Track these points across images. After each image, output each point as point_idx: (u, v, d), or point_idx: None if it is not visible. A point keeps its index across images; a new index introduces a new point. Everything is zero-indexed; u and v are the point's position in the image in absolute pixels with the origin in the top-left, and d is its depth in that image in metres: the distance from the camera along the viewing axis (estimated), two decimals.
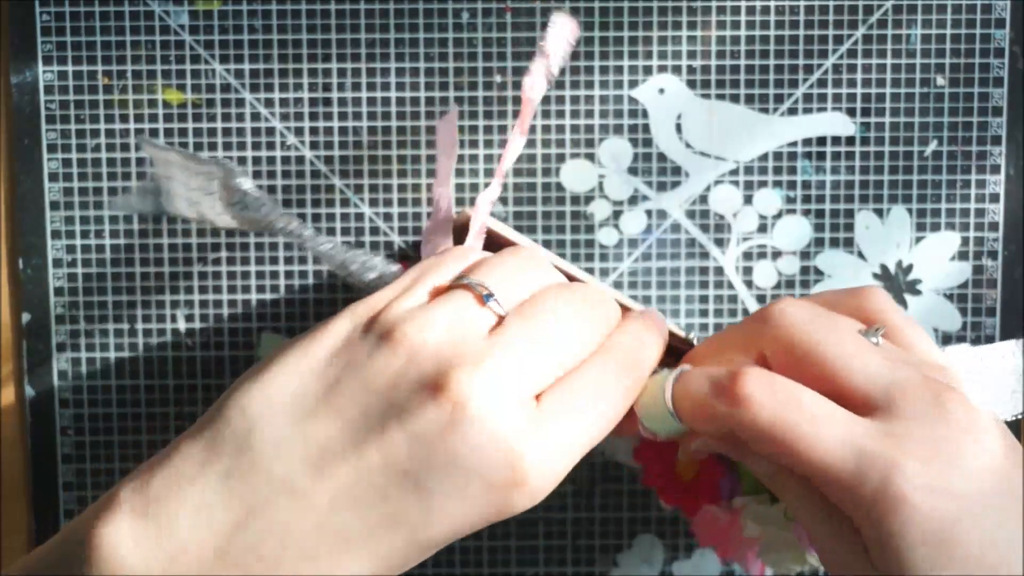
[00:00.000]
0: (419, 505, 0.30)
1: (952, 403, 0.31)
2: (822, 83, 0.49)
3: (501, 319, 0.32)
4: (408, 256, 0.49)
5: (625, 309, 0.37)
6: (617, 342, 0.34)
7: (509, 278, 0.33)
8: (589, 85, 0.49)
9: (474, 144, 0.49)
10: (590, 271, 0.49)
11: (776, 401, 0.32)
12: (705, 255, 0.50)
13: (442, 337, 0.31)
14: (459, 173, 0.49)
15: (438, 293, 0.33)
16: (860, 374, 0.32)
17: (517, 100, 0.49)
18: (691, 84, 0.49)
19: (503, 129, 0.49)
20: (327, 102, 0.49)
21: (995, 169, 0.49)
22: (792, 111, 0.49)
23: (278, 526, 0.29)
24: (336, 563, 0.30)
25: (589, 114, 0.49)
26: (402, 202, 0.49)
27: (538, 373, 0.32)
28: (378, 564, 0.31)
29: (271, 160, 0.49)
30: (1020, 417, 0.36)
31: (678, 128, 0.49)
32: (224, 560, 0.29)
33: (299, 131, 0.49)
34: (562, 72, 0.49)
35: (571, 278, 0.38)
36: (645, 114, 0.49)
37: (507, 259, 0.34)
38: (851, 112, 0.49)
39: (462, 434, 0.30)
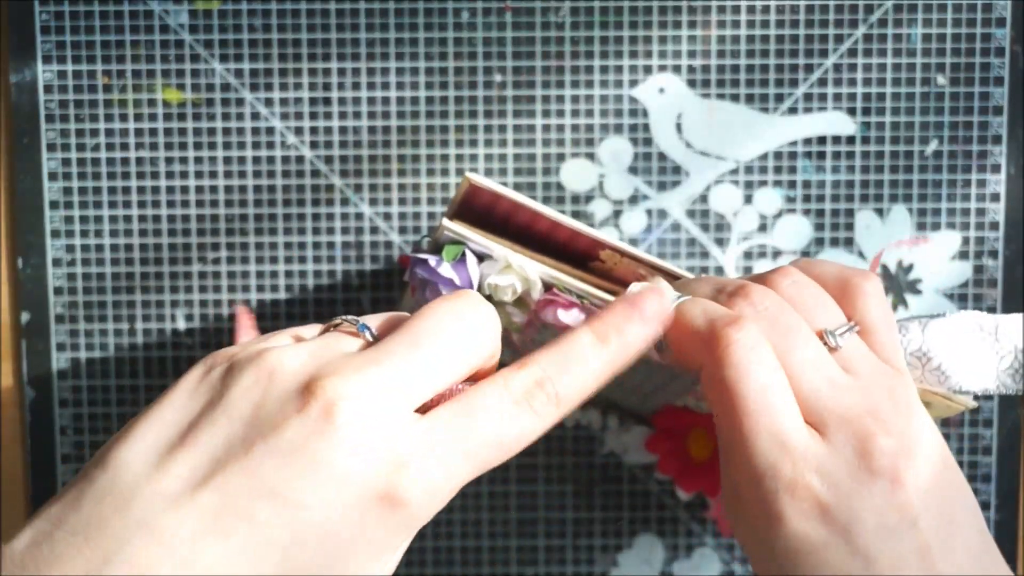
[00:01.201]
0: (291, 521, 0.28)
1: (875, 449, 0.33)
2: (822, 83, 0.49)
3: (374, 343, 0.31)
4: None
5: (672, 276, 0.37)
6: (509, 378, 0.32)
7: (376, 317, 0.33)
8: (589, 85, 0.49)
9: (474, 144, 0.49)
10: None
11: (748, 363, 0.33)
12: (705, 254, 0.50)
13: (304, 359, 0.30)
14: (459, 173, 0.49)
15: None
16: (801, 391, 0.34)
17: (517, 99, 0.49)
18: (691, 84, 0.49)
19: (503, 129, 0.49)
20: (327, 102, 0.49)
21: (996, 168, 0.49)
22: (792, 111, 0.49)
23: (140, 567, 0.28)
24: None
25: (589, 114, 0.49)
26: (402, 202, 0.49)
27: (413, 384, 0.30)
28: None
29: (271, 160, 0.49)
30: (1013, 392, 0.36)
31: (678, 128, 0.49)
32: None
33: (299, 131, 0.49)
34: (562, 72, 0.49)
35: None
36: (645, 114, 0.49)
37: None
38: (851, 111, 0.49)
39: (331, 439, 0.28)
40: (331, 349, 0.31)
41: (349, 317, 0.32)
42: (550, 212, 0.39)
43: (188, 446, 0.29)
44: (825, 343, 0.34)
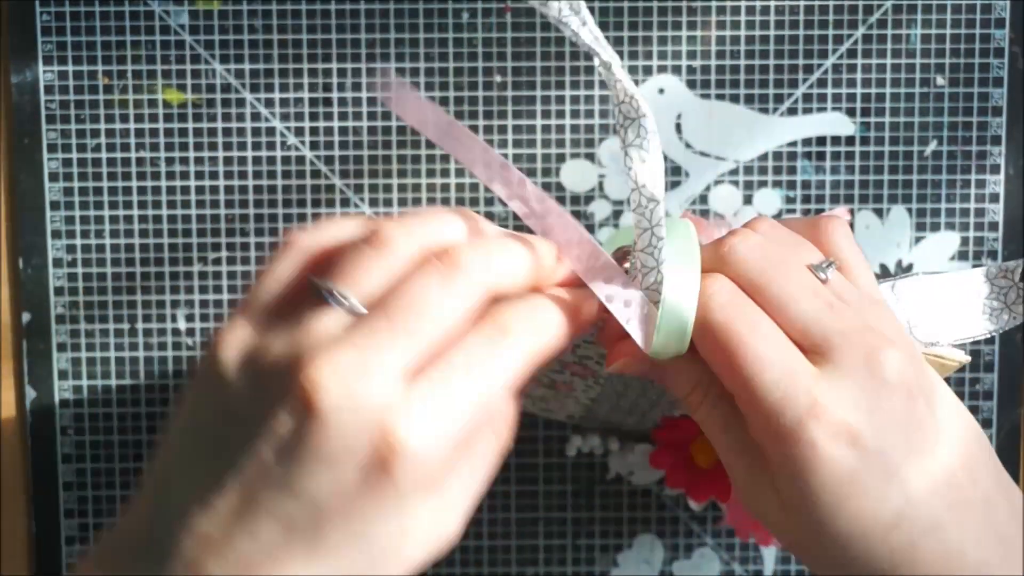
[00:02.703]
0: (306, 511, 0.30)
1: (889, 359, 0.32)
2: (822, 83, 0.49)
3: (355, 316, 0.31)
4: None
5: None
6: (496, 316, 0.32)
7: (360, 270, 0.32)
8: (589, 85, 0.49)
9: None
10: None
11: (733, 306, 0.32)
12: None
13: (283, 348, 0.30)
14: (459, 173, 0.49)
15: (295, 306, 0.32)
16: (801, 317, 0.33)
17: (517, 100, 0.49)
18: (691, 84, 0.49)
19: (503, 129, 0.49)
20: (327, 102, 0.49)
21: (995, 169, 0.49)
22: (792, 111, 0.49)
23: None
24: None
25: (589, 114, 0.49)
26: (402, 202, 0.49)
27: (400, 349, 0.30)
28: None
29: (271, 160, 0.49)
30: (987, 336, 0.37)
31: (678, 128, 0.49)
32: None
33: (299, 131, 0.49)
34: (562, 72, 0.49)
35: None
36: None
37: (358, 250, 0.32)
38: (851, 112, 0.49)
39: (320, 427, 0.29)
40: (310, 329, 0.31)
41: (326, 285, 0.31)
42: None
43: (213, 476, 0.31)
44: (815, 276, 0.34)
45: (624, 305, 0.33)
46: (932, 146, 0.49)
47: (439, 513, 0.31)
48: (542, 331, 0.32)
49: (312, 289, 0.32)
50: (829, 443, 0.31)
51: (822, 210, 0.49)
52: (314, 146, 0.49)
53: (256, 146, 0.49)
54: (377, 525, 0.30)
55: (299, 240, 0.33)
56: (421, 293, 0.31)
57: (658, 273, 0.32)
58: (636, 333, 0.33)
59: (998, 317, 0.37)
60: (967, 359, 0.38)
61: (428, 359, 0.31)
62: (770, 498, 0.33)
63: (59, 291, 0.49)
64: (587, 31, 0.33)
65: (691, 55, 0.49)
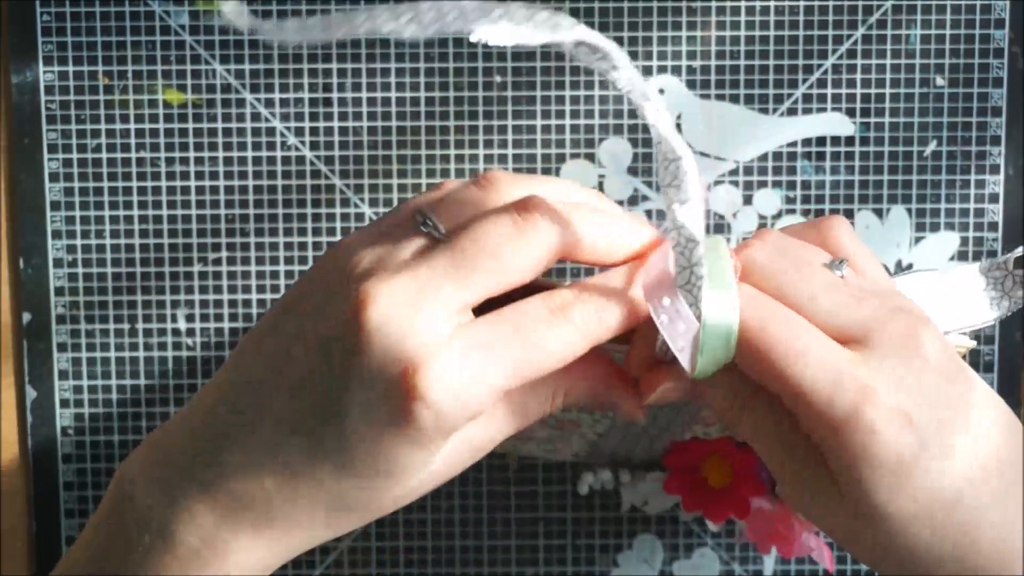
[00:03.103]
0: (335, 426, 0.31)
1: (926, 338, 0.32)
2: (822, 83, 0.49)
3: (436, 243, 0.32)
4: None
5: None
6: (560, 294, 0.33)
7: (458, 204, 0.33)
8: (589, 85, 0.49)
9: (474, 144, 0.49)
10: (590, 271, 0.49)
11: (764, 310, 0.32)
12: None
13: (369, 261, 0.32)
14: (459, 174, 0.49)
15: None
16: (831, 311, 0.33)
17: (517, 100, 0.49)
18: (691, 84, 0.49)
19: (503, 129, 0.49)
20: (327, 102, 0.49)
21: (994, 169, 0.49)
22: (792, 111, 0.49)
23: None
24: (289, 498, 0.32)
25: (589, 114, 0.49)
26: (402, 202, 0.49)
27: (454, 287, 0.31)
28: (322, 500, 0.32)
29: (271, 160, 0.49)
30: (991, 323, 0.37)
31: (678, 128, 0.49)
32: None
33: (299, 131, 0.49)
34: (562, 72, 0.49)
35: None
36: None
37: (464, 187, 0.34)
38: (851, 112, 0.49)
39: (361, 340, 0.30)
40: (391, 250, 0.32)
41: (423, 211, 0.33)
42: None
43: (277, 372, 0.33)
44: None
45: (673, 323, 0.32)
46: (932, 146, 0.49)
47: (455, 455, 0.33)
48: (597, 329, 0.33)
49: (413, 213, 0.33)
50: (886, 425, 0.31)
51: (822, 211, 0.49)
52: (314, 146, 0.49)
53: (256, 146, 0.49)
54: (395, 459, 0.31)
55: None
56: (490, 234, 0.31)
57: (696, 310, 0.32)
58: (684, 356, 0.32)
59: (999, 304, 0.37)
60: (973, 343, 0.39)
61: (486, 302, 0.32)
62: (823, 492, 0.33)
63: (59, 291, 0.49)
64: (623, 74, 0.33)
65: (691, 55, 0.49)
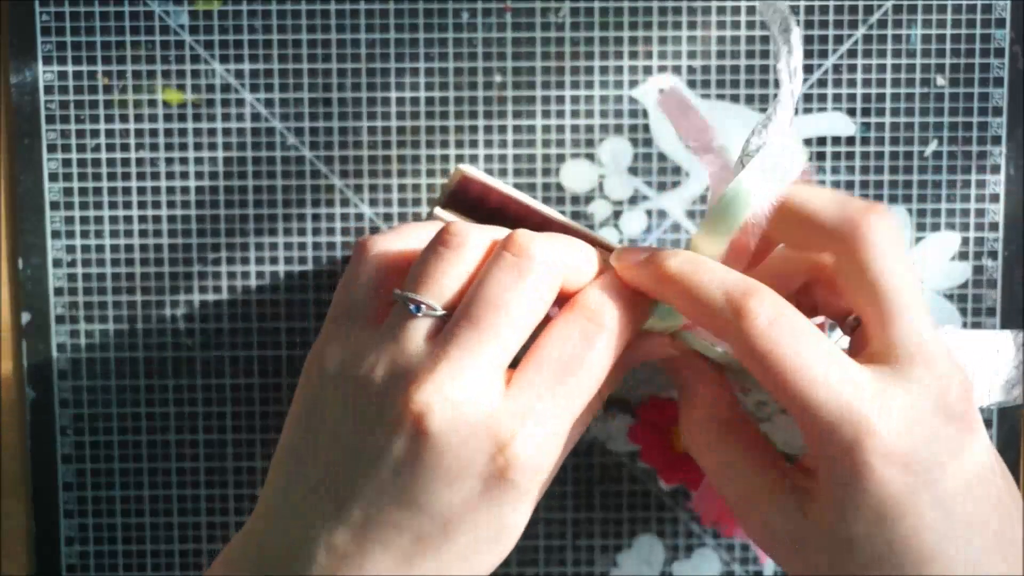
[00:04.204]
0: (434, 523, 0.31)
1: (954, 391, 0.32)
2: (822, 83, 0.49)
3: (441, 320, 0.32)
4: None
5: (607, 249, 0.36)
6: (581, 303, 0.33)
7: (439, 274, 0.33)
8: (589, 85, 0.49)
9: (474, 144, 0.49)
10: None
11: (777, 326, 0.32)
12: None
13: (385, 369, 0.32)
14: None
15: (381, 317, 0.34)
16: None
17: (517, 100, 0.49)
18: (691, 84, 0.49)
19: (503, 129, 0.49)
20: (327, 102, 0.49)
21: (995, 169, 0.49)
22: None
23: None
24: None
25: (589, 114, 0.49)
26: (402, 202, 0.49)
27: (491, 353, 0.31)
28: None
29: (271, 160, 0.49)
30: (1008, 405, 0.36)
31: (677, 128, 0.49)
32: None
33: (299, 131, 0.49)
34: (562, 72, 0.49)
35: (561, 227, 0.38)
36: (645, 114, 0.49)
37: (434, 254, 0.33)
38: (851, 112, 0.49)
39: (434, 449, 0.30)
40: (401, 344, 0.32)
41: (411, 296, 0.33)
42: (540, 206, 0.39)
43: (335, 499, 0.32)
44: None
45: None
46: (932, 146, 0.49)
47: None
48: (630, 316, 0.33)
49: (398, 300, 0.33)
50: (882, 465, 0.31)
51: None
52: (314, 146, 0.49)
53: (256, 146, 0.49)
54: (505, 526, 0.32)
55: (374, 245, 0.34)
56: (499, 291, 0.32)
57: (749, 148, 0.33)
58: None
59: (1009, 391, 0.37)
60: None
61: (522, 351, 0.32)
62: (782, 510, 0.33)
63: (59, 291, 0.49)
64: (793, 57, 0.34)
65: (691, 55, 0.49)
